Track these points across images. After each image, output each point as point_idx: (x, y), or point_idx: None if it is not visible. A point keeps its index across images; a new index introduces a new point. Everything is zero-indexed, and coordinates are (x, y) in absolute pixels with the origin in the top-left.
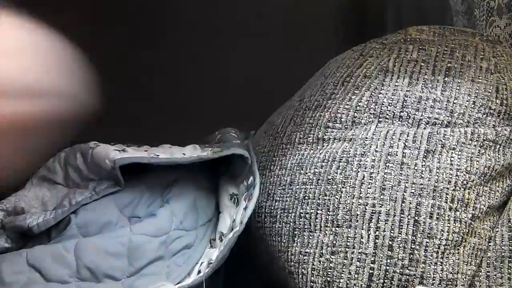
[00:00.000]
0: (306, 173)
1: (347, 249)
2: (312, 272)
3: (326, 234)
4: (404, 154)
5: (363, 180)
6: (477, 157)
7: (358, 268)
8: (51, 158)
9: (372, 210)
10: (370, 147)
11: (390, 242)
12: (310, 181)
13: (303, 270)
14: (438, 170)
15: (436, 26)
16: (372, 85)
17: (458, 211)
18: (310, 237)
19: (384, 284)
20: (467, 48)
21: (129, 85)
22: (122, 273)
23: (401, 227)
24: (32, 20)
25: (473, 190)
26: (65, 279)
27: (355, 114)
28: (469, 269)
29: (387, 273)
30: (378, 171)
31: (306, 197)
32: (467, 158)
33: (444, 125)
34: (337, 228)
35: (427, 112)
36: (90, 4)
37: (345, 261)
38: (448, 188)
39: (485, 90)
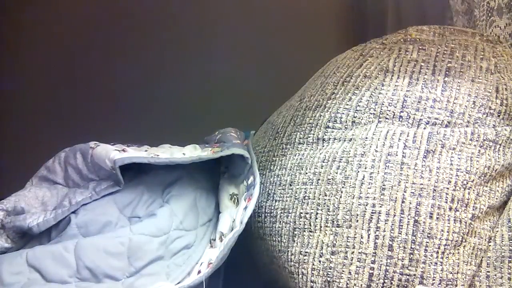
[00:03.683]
0: (306, 173)
1: (347, 249)
2: (312, 272)
3: (326, 234)
4: (404, 154)
5: (363, 180)
6: (477, 157)
7: (358, 268)
8: (51, 158)
9: (372, 210)
10: (370, 147)
11: (390, 242)
12: (310, 181)
13: (303, 270)
14: (438, 170)
15: (436, 26)
16: (372, 85)
17: (458, 211)
18: (310, 237)
19: (384, 284)
20: (467, 48)
21: (129, 85)
22: (122, 273)
23: (401, 227)
24: None
25: (473, 190)
26: (65, 279)
27: (355, 114)
28: (469, 269)
29: (387, 273)
30: (378, 171)
31: (306, 197)
32: (467, 158)
33: (444, 125)
34: (337, 228)
35: (427, 112)
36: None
37: (345, 261)
38: (448, 188)
39: (485, 90)
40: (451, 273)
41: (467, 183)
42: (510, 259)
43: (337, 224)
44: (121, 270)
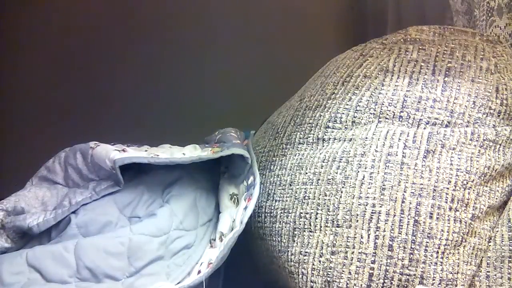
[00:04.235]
0: (306, 173)
1: (347, 249)
2: (312, 272)
3: (326, 234)
4: (404, 154)
5: (363, 180)
6: (477, 157)
7: (358, 268)
8: (51, 158)
9: (372, 210)
10: (370, 147)
11: (390, 242)
12: (310, 181)
13: (303, 270)
14: (438, 170)
15: (436, 26)
16: (372, 85)
17: (458, 211)
18: (310, 237)
19: (384, 284)
20: (467, 48)
21: (129, 85)
22: (122, 273)
23: (401, 227)
24: None
25: (473, 190)
26: (65, 279)
27: (355, 114)
28: (469, 269)
29: (387, 273)
30: (378, 171)
31: (306, 197)
32: (467, 158)
33: (444, 125)
34: (337, 228)
35: (427, 112)
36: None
37: (345, 261)
38: (448, 188)
39: (485, 90)
40: (451, 273)
41: (467, 183)
42: (510, 259)
43: (337, 224)
44: (121, 270)
